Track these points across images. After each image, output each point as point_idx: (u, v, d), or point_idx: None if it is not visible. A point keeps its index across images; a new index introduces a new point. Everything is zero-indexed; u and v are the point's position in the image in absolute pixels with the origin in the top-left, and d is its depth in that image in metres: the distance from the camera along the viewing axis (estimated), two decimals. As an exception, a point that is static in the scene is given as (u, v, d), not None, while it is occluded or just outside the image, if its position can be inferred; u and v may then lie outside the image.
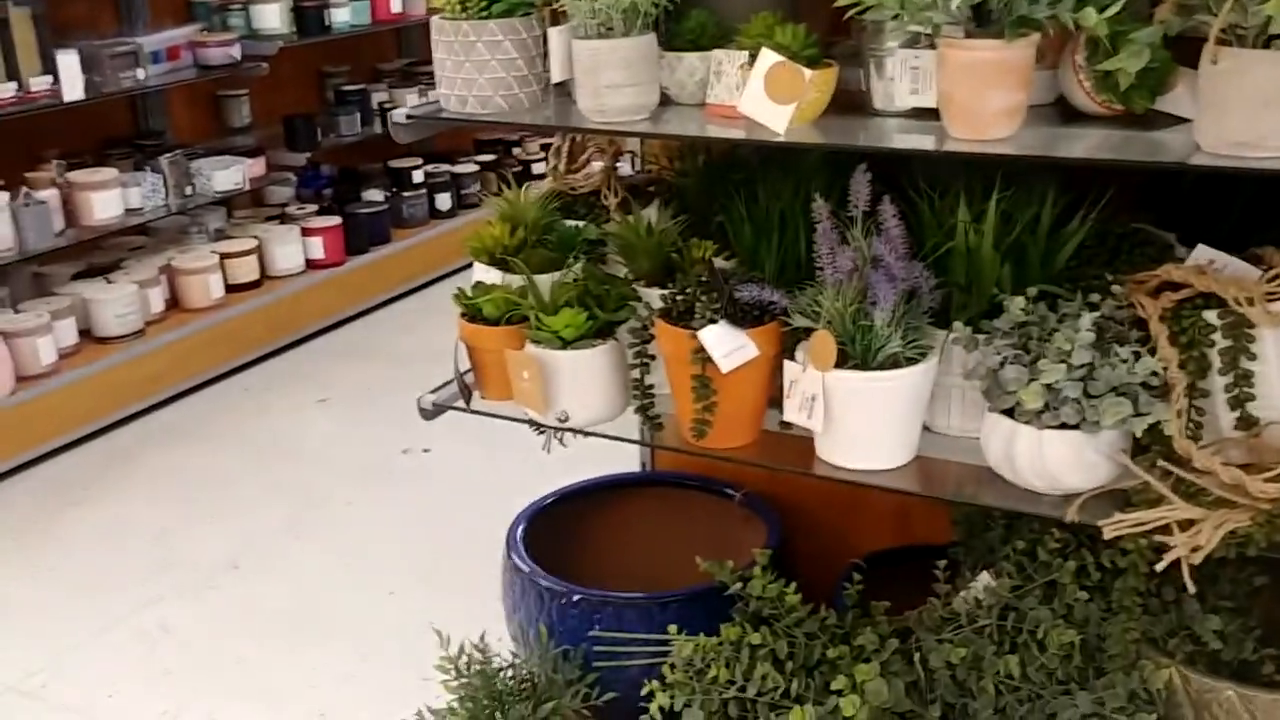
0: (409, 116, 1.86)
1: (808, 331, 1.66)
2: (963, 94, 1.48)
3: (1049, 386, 1.52)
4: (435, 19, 1.79)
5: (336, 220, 4.95)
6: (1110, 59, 1.43)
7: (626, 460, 2.57)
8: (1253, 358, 1.51)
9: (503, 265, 1.95)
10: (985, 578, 1.89)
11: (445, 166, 5.50)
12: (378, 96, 5.38)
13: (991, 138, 1.50)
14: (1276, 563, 1.60)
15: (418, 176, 5.38)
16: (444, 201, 5.45)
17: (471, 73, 1.77)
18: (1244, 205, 1.76)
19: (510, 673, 2.07)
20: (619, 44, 1.66)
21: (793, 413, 1.67)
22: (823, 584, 2.11)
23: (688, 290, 1.76)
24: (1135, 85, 1.49)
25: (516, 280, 1.92)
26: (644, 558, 2.40)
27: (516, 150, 5.93)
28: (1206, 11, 1.37)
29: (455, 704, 2.02)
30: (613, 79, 1.67)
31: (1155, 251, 1.72)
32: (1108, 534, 1.49)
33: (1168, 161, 1.44)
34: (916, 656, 1.80)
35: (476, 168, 5.61)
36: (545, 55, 1.79)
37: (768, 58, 1.60)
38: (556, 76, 1.77)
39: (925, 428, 1.74)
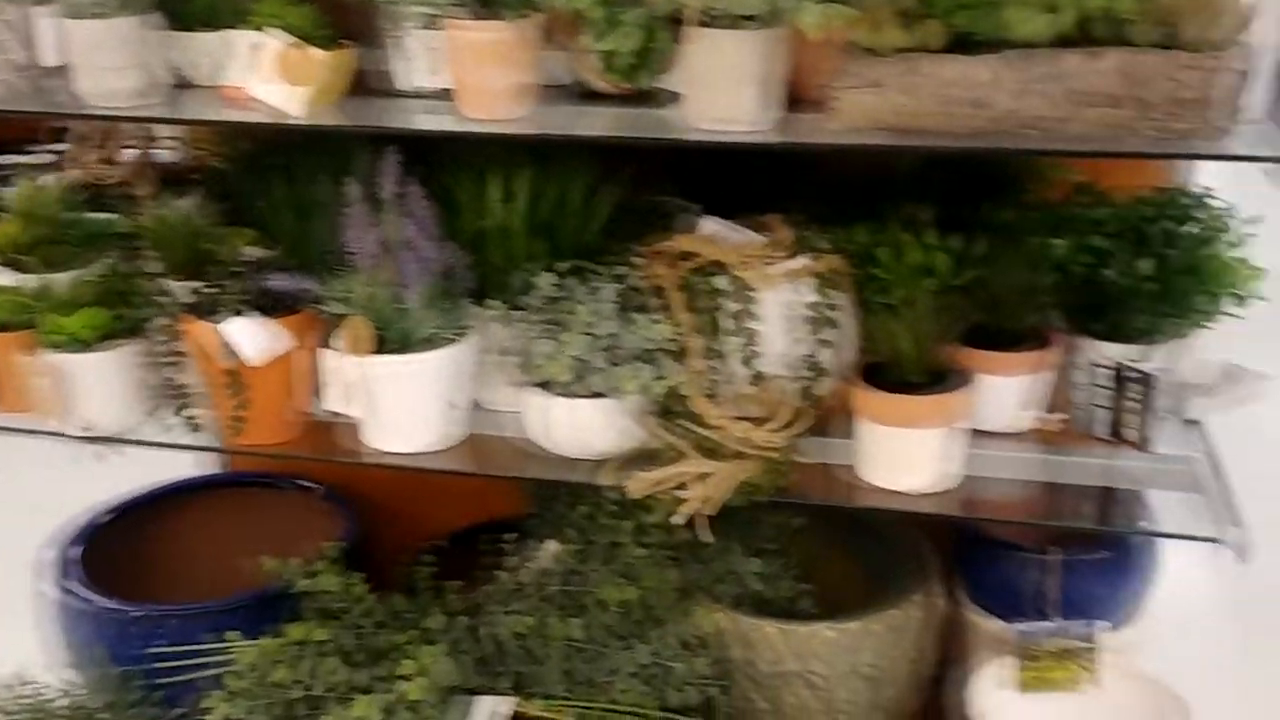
0: (-118, 105, 1.66)
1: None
2: (469, 75, 1.50)
3: (576, 358, 1.57)
4: (-96, -3, 1.61)
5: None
6: (604, 40, 1.49)
7: (206, 462, 2.44)
8: (757, 318, 1.64)
9: (16, 265, 1.78)
10: (552, 545, 1.94)
11: (13, 157, 5.00)
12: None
13: (503, 118, 1.53)
14: (811, 506, 1.73)
15: (-19, 168, 4.87)
16: (15, 195, 4.96)
17: (-47, 55, 1.60)
18: (761, 174, 1.89)
19: (66, 702, 1.91)
20: (115, 24, 1.55)
21: (334, 401, 1.64)
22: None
23: (220, 283, 1.69)
24: (638, 65, 1.57)
25: (35, 280, 1.77)
26: (225, 563, 2.28)
27: (101, 138, 5.48)
28: (686, -6, 1.45)
29: (2, 745, 1.85)
30: (112, 61, 1.56)
31: (679, 223, 1.82)
32: (631, 492, 1.57)
33: (663, 137, 1.52)
34: (486, 631, 1.83)
35: (53, 157, 5.14)
36: (42, 36, 1.65)
37: (277, 39, 1.55)
38: (50, 60, 1.64)
39: (477, 405, 1.76)
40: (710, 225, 1.71)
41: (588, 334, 1.57)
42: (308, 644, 1.78)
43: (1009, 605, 1.93)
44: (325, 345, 1.64)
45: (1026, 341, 1.66)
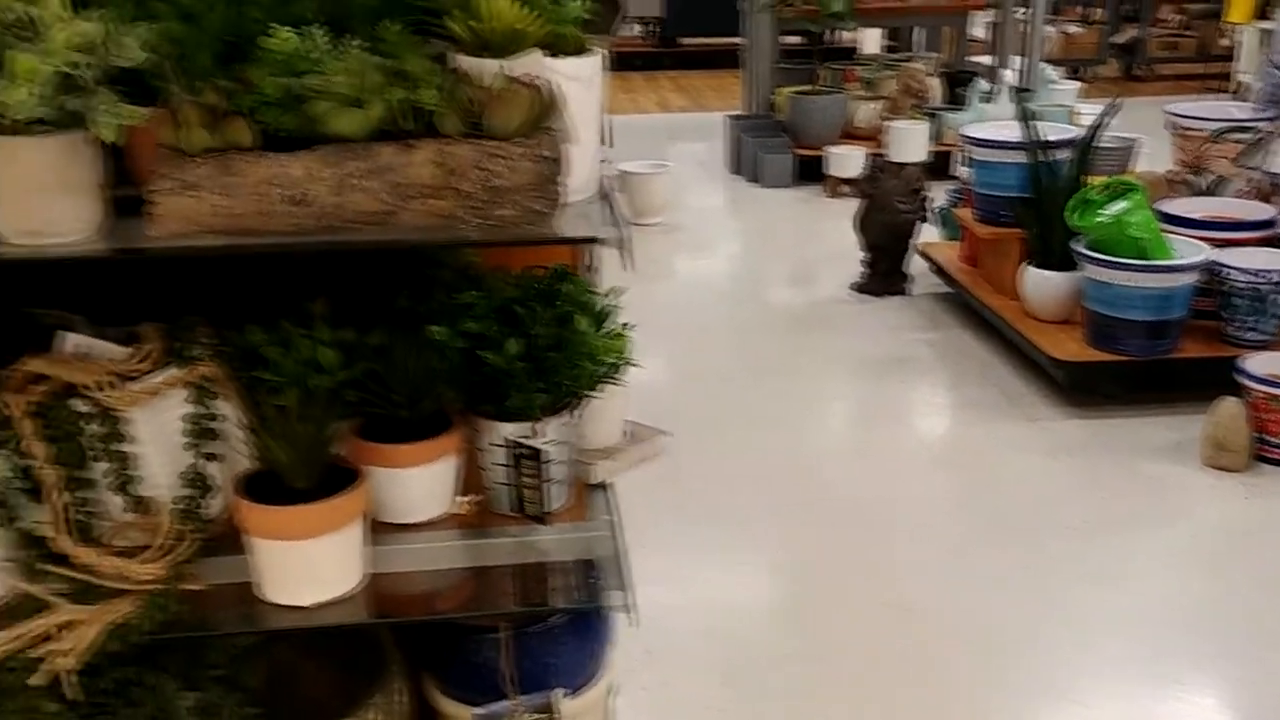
0: None
1: None
2: None
3: (-104, 513, 1.37)
4: None
5: None
6: (-124, 152, 1.31)
7: None
8: (127, 440, 1.50)
9: None
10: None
11: None
12: None
13: None
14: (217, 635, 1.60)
15: None
16: None
17: None
18: (151, 275, 1.76)
19: None
20: None
21: None
22: None
23: None
24: (-56, 175, 1.39)
25: None
26: None
27: None
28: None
29: None
30: None
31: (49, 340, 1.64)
32: (-15, 659, 1.38)
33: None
34: None
35: None
36: None
37: None
38: None
39: None
40: (73, 341, 1.55)
41: (-91, 484, 1.37)
42: None
43: (477, 689, 1.90)
44: None
45: (431, 428, 1.63)
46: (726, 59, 10.04)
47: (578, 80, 1.42)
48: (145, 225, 1.34)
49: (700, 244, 5.96)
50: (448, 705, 1.93)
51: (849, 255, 5.14)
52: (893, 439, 3.77)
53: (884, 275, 4.96)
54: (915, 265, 5.03)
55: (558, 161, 1.33)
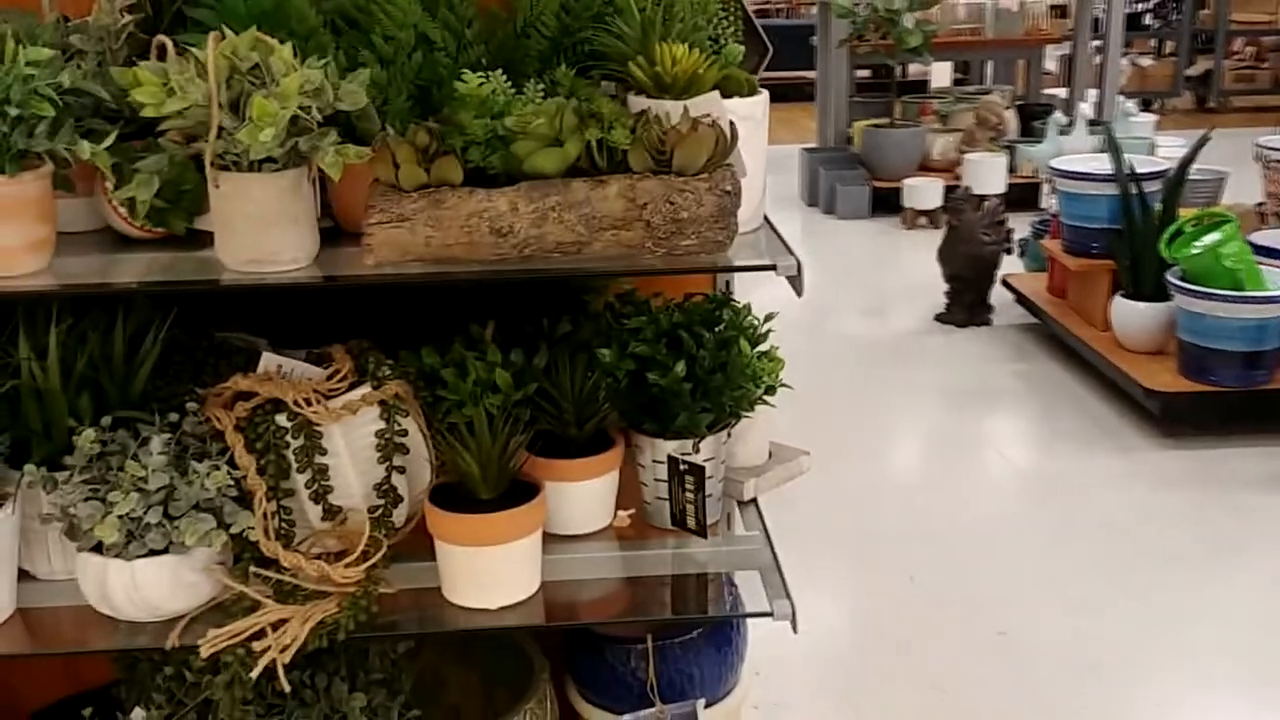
0: None
1: None
2: (-29, 232, 1.41)
3: (126, 516, 1.49)
4: None
5: None
6: (121, 188, 1.44)
7: None
8: (324, 453, 1.61)
9: None
10: (138, 714, 1.81)
11: None
12: None
13: (23, 273, 1.45)
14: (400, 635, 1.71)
15: None
16: None
17: None
18: (329, 300, 1.89)
19: None
20: None
21: None
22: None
23: None
24: (169, 208, 1.52)
25: None
26: None
27: None
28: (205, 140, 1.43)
29: None
30: None
31: (244, 360, 1.77)
32: (205, 652, 1.50)
33: (200, 280, 1.49)
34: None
35: None
36: None
37: None
38: None
39: (31, 576, 1.63)
40: (272, 361, 1.67)
41: (138, 490, 1.50)
42: None
43: (620, 697, 1.99)
44: None
45: (594, 445, 1.73)
46: (792, 92, 10.15)
47: (750, 119, 1.53)
48: (359, 254, 1.45)
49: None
50: (591, 712, 2.03)
51: (929, 286, 5.21)
52: (986, 469, 3.82)
53: (968, 306, 5.02)
54: (997, 296, 5.08)
55: (737, 195, 1.44)
